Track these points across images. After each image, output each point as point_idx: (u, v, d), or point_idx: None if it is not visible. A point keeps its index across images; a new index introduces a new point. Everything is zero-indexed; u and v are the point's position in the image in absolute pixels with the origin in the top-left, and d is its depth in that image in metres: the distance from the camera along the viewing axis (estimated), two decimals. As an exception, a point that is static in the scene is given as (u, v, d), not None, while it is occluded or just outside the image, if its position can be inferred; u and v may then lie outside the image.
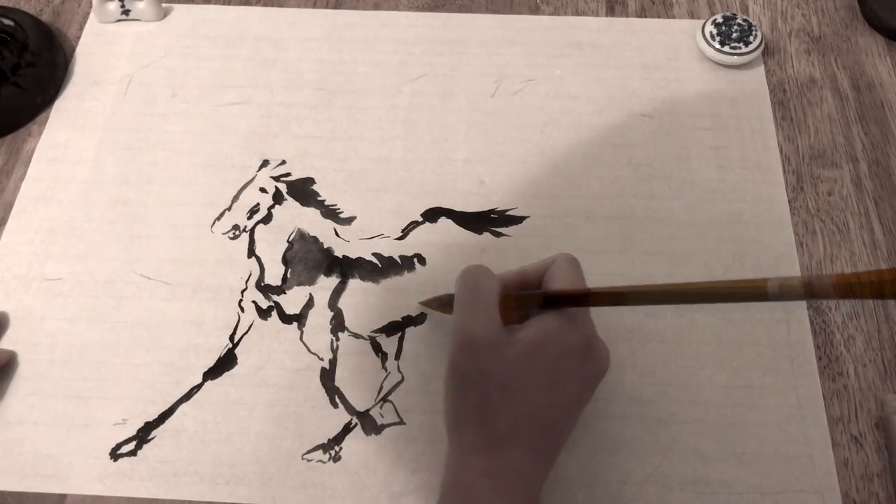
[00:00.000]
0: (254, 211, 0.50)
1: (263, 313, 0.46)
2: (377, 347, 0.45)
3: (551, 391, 0.36)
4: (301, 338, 0.45)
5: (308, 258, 0.48)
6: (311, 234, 0.49)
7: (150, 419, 0.43)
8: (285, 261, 0.48)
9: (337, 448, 0.42)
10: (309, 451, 0.42)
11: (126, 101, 0.55)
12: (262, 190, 0.51)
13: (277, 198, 0.50)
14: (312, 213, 0.50)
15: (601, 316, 0.45)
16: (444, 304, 0.44)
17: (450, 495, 0.36)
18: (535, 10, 0.59)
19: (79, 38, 0.58)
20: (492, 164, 0.51)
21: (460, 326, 0.37)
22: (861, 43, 0.56)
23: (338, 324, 0.46)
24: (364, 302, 0.46)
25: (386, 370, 0.44)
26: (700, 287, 0.33)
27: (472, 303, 0.37)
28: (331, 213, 0.50)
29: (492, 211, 0.49)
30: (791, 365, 0.44)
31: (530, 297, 0.38)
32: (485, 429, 0.36)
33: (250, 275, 0.48)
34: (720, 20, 0.55)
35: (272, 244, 0.49)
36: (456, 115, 0.53)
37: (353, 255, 0.48)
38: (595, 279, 0.46)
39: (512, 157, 0.52)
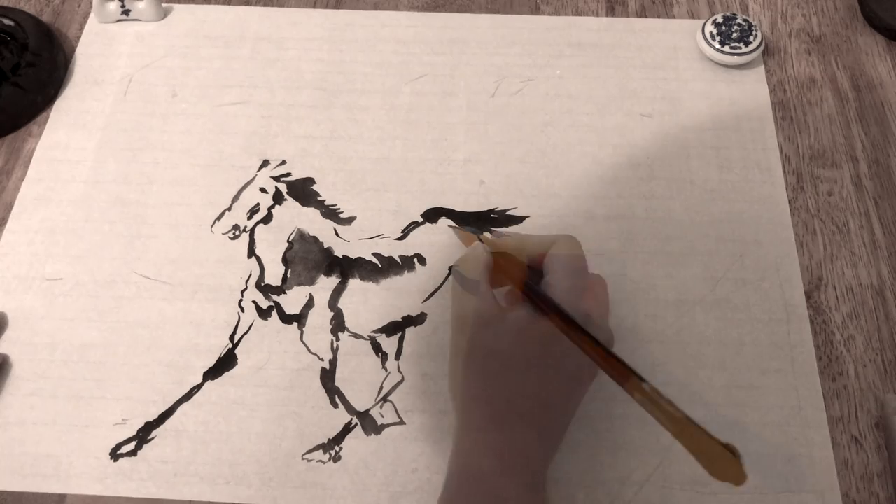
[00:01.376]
0: (254, 211, 0.50)
1: (263, 313, 0.46)
2: (377, 347, 0.45)
3: (547, 369, 0.36)
4: (301, 338, 0.45)
5: (308, 258, 0.48)
6: (311, 234, 0.49)
7: (150, 419, 0.43)
8: (285, 261, 0.48)
9: (337, 448, 0.42)
10: (309, 451, 0.42)
11: (126, 101, 0.55)
12: (262, 190, 0.51)
13: (277, 198, 0.50)
14: (312, 213, 0.50)
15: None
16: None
17: (456, 474, 0.36)
18: (535, 10, 0.59)
19: (79, 38, 0.58)
20: (492, 164, 0.51)
21: (455, 308, 0.39)
22: (861, 43, 0.56)
23: (338, 324, 0.46)
24: (364, 302, 0.46)
25: (386, 370, 0.44)
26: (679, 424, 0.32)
27: (462, 284, 0.39)
28: (331, 213, 0.50)
29: (492, 211, 0.49)
30: (791, 365, 0.44)
31: (528, 290, 0.38)
32: (487, 406, 0.36)
33: (250, 275, 0.48)
34: (720, 20, 0.55)
35: (272, 244, 0.49)
36: (456, 115, 0.53)
37: (353, 255, 0.48)
38: (595, 279, 0.47)
39: (512, 157, 0.52)
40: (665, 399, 0.32)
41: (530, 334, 0.36)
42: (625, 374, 0.33)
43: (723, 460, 0.31)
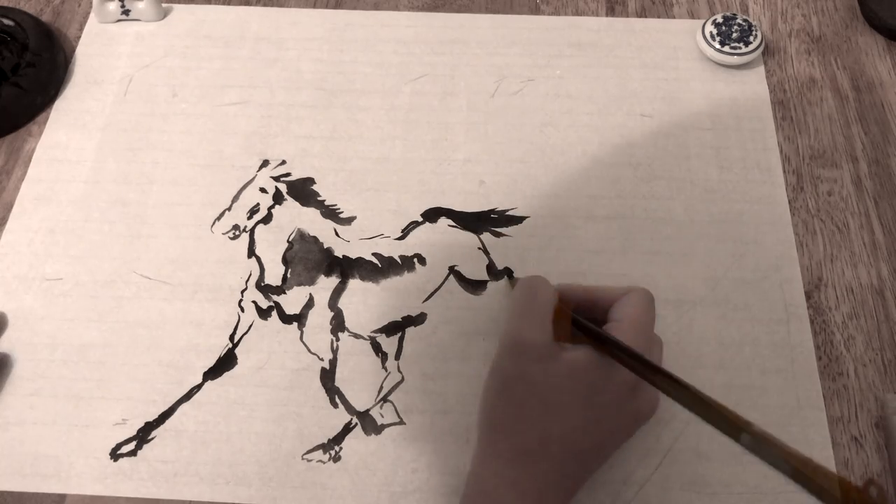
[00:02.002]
0: (254, 211, 0.50)
1: (263, 313, 0.46)
2: (377, 347, 0.45)
3: (587, 418, 0.35)
4: (301, 338, 0.45)
5: (308, 258, 0.48)
6: (311, 234, 0.49)
7: (150, 419, 0.43)
8: (285, 261, 0.48)
9: (337, 448, 0.42)
10: (309, 451, 0.42)
11: (126, 101, 0.55)
12: (262, 190, 0.51)
13: (277, 198, 0.50)
14: (312, 213, 0.50)
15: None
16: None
17: (471, 499, 0.35)
18: (535, 10, 0.59)
19: (79, 38, 0.58)
20: (492, 164, 0.51)
21: (510, 330, 0.37)
22: (861, 43, 0.56)
23: (338, 324, 0.46)
24: (364, 302, 0.46)
25: (386, 370, 0.44)
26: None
27: (526, 310, 0.37)
28: (331, 213, 0.50)
29: (492, 211, 0.49)
30: (791, 365, 0.44)
31: (584, 327, 0.37)
32: (517, 437, 0.36)
33: (250, 275, 0.48)
34: (720, 20, 0.55)
35: (272, 244, 0.49)
36: (456, 115, 0.53)
37: (353, 255, 0.48)
38: (595, 279, 0.47)
39: (512, 157, 0.52)
40: (775, 438, 0.30)
41: (585, 378, 0.35)
42: (734, 423, 0.31)
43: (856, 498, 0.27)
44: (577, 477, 0.37)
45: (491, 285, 0.47)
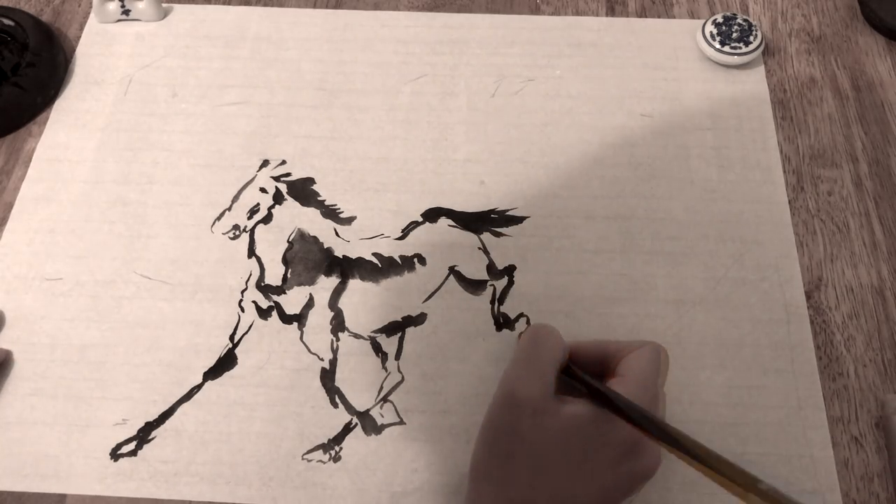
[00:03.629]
0: (254, 211, 0.50)
1: (263, 313, 0.46)
2: (377, 347, 0.45)
3: (582, 476, 0.34)
4: (301, 338, 0.45)
5: (308, 258, 0.48)
6: (311, 234, 0.49)
7: (151, 419, 0.43)
8: (285, 261, 0.48)
9: (337, 448, 0.42)
10: (309, 451, 0.42)
11: (126, 101, 0.55)
12: (262, 190, 0.51)
13: (277, 198, 0.50)
14: (312, 213, 0.50)
15: (599, 314, 0.45)
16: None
17: None
18: (535, 10, 0.59)
19: (79, 38, 0.58)
20: (492, 164, 0.51)
21: (508, 380, 0.36)
22: (861, 43, 0.56)
23: (338, 324, 0.46)
24: (364, 302, 0.46)
25: (386, 370, 0.44)
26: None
27: (528, 361, 0.37)
28: (331, 213, 0.50)
29: (492, 211, 0.49)
30: (791, 365, 0.44)
31: (581, 380, 0.37)
32: (505, 490, 0.35)
33: (250, 275, 0.48)
34: (720, 20, 0.55)
35: (272, 244, 0.49)
36: (456, 115, 0.53)
37: (353, 255, 0.48)
38: (595, 279, 0.47)
39: (512, 157, 0.52)
40: (784, 495, 0.29)
41: (580, 433, 0.34)
42: (740, 483, 0.30)
43: None
44: None
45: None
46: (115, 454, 0.42)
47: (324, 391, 0.44)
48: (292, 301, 0.47)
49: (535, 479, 0.34)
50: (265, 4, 0.59)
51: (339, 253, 0.48)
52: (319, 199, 0.50)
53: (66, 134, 0.53)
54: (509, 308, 0.46)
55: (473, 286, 0.47)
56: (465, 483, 0.37)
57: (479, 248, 0.48)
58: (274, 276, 0.47)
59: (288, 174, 0.51)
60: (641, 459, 0.36)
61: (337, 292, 0.47)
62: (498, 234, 0.48)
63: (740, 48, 0.54)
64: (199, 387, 0.44)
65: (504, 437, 0.35)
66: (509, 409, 0.36)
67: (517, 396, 0.36)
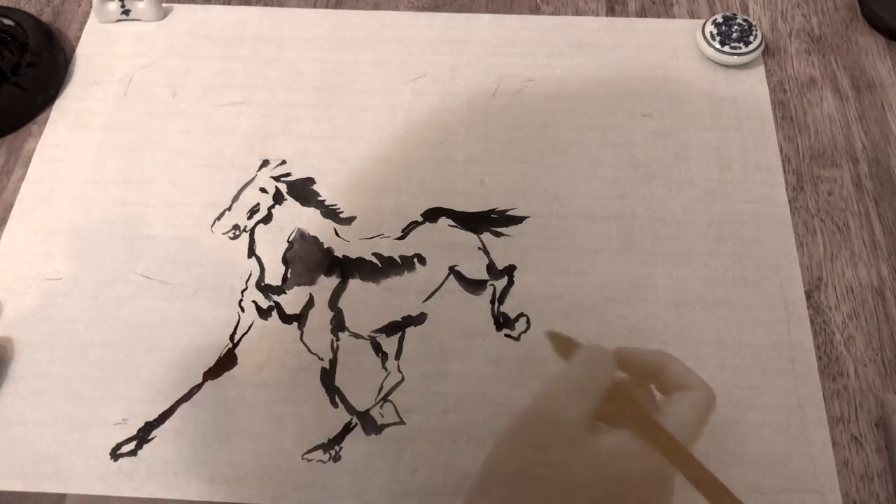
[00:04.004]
0: (254, 211, 0.50)
1: (263, 313, 0.46)
2: (377, 347, 0.45)
3: None
4: (301, 338, 0.45)
5: (308, 258, 0.48)
6: (311, 234, 0.49)
7: (151, 419, 0.43)
8: (285, 261, 0.48)
9: (337, 448, 0.42)
10: (309, 451, 0.42)
11: (126, 101, 0.55)
12: (263, 190, 0.51)
13: (277, 198, 0.50)
14: (312, 213, 0.50)
15: (599, 314, 0.45)
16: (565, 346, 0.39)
17: None
18: (535, 10, 0.59)
19: (79, 38, 0.58)
20: (492, 164, 0.51)
21: (549, 398, 0.35)
22: (861, 43, 0.56)
23: (338, 324, 0.46)
24: (364, 302, 0.46)
25: (386, 370, 0.44)
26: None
27: (575, 385, 0.35)
28: (331, 213, 0.50)
29: (492, 211, 0.49)
30: (791, 365, 0.44)
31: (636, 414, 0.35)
32: (513, 501, 0.33)
33: (250, 275, 0.48)
34: (720, 20, 0.55)
35: (272, 244, 0.49)
36: (456, 115, 0.53)
37: (353, 255, 0.48)
38: (595, 279, 0.47)
39: (512, 157, 0.52)
40: None
41: (617, 467, 0.33)
42: None
43: None
44: None
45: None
46: (115, 454, 0.42)
47: (324, 391, 0.44)
48: (292, 301, 0.47)
49: (550, 501, 0.33)
50: (265, 4, 0.59)
51: (339, 253, 0.48)
52: (319, 199, 0.50)
53: (66, 134, 0.53)
54: (509, 308, 0.46)
55: (473, 286, 0.47)
56: (467, 482, 0.37)
57: (479, 248, 0.48)
58: (274, 276, 0.47)
59: (288, 174, 0.51)
60: (671, 494, 0.34)
61: (337, 292, 0.47)
62: (498, 234, 0.48)
63: (740, 48, 0.54)
64: (199, 387, 0.44)
65: (531, 455, 0.34)
66: (544, 430, 0.34)
67: (556, 419, 0.34)
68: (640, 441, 0.33)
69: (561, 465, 0.33)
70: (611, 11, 0.58)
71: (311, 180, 0.51)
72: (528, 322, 0.45)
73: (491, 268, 0.47)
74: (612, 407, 0.35)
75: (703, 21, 0.56)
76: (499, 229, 0.49)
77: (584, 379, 0.35)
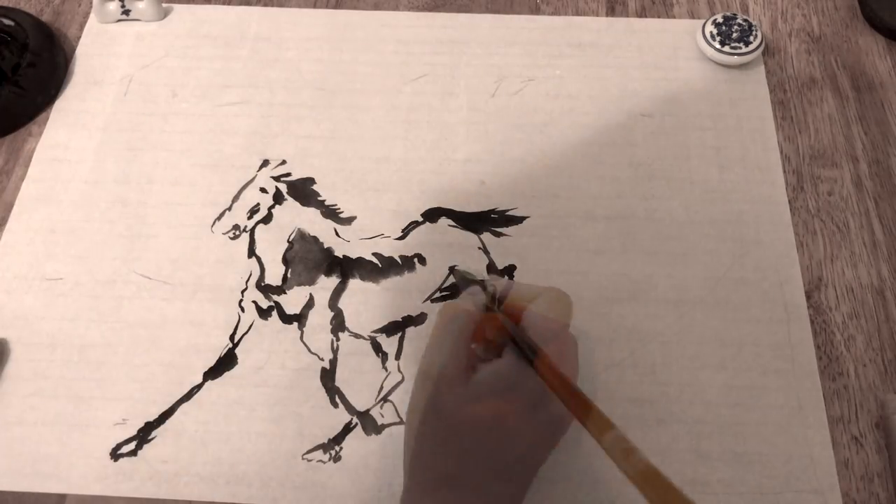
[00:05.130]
0: (254, 211, 0.50)
1: (264, 313, 0.46)
2: (377, 347, 0.45)
3: (501, 435, 0.35)
4: (301, 338, 0.45)
5: (308, 258, 0.48)
6: (312, 234, 0.49)
7: (151, 419, 0.43)
8: (285, 261, 0.48)
9: (337, 448, 0.42)
10: (309, 451, 0.42)
11: (126, 101, 0.55)
12: (263, 190, 0.51)
13: (277, 198, 0.50)
14: (312, 213, 0.50)
15: (599, 314, 0.45)
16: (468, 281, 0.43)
17: None
18: (535, 10, 0.59)
19: (79, 38, 0.58)
20: (492, 164, 0.51)
21: (422, 363, 0.38)
22: (861, 43, 0.56)
23: (338, 324, 0.46)
24: (364, 302, 0.46)
25: (386, 370, 0.44)
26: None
27: (438, 341, 0.38)
28: (331, 213, 0.50)
29: (492, 211, 0.49)
30: (791, 365, 0.44)
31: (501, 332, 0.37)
32: (436, 468, 0.35)
33: (250, 275, 0.48)
34: (720, 20, 0.55)
35: (272, 244, 0.49)
36: (456, 115, 0.53)
37: (354, 255, 0.48)
38: (595, 279, 0.47)
39: (512, 157, 0.52)
40: (636, 451, 0.29)
41: (492, 394, 0.35)
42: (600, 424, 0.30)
43: None
44: (506, 496, 0.36)
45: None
46: (115, 454, 0.42)
47: (324, 391, 0.44)
48: (292, 301, 0.47)
49: (461, 449, 0.35)
50: (265, 4, 0.59)
51: (339, 253, 0.48)
52: (319, 199, 0.50)
53: (66, 134, 0.53)
54: (509, 308, 0.46)
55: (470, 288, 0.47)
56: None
57: (479, 248, 0.48)
58: (274, 276, 0.47)
59: (288, 174, 0.51)
60: (552, 403, 0.35)
61: (337, 292, 0.47)
62: (498, 234, 0.48)
63: (740, 48, 0.54)
64: (199, 387, 0.44)
65: (426, 417, 0.36)
66: (427, 390, 0.36)
67: (431, 376, 0.36)
68: (511, 356, 0.36)
69: (451, 412, 0.35)
70: (611, 11, 0.58)
71: (311, 180, 0.51)
72: None
73: (491, 268, 0.47)
74: (481, 335, 0.37)
75: (703, 21, 0.56)
76: (499, 229, 0.49)
77: (442, 334, 0.38)
